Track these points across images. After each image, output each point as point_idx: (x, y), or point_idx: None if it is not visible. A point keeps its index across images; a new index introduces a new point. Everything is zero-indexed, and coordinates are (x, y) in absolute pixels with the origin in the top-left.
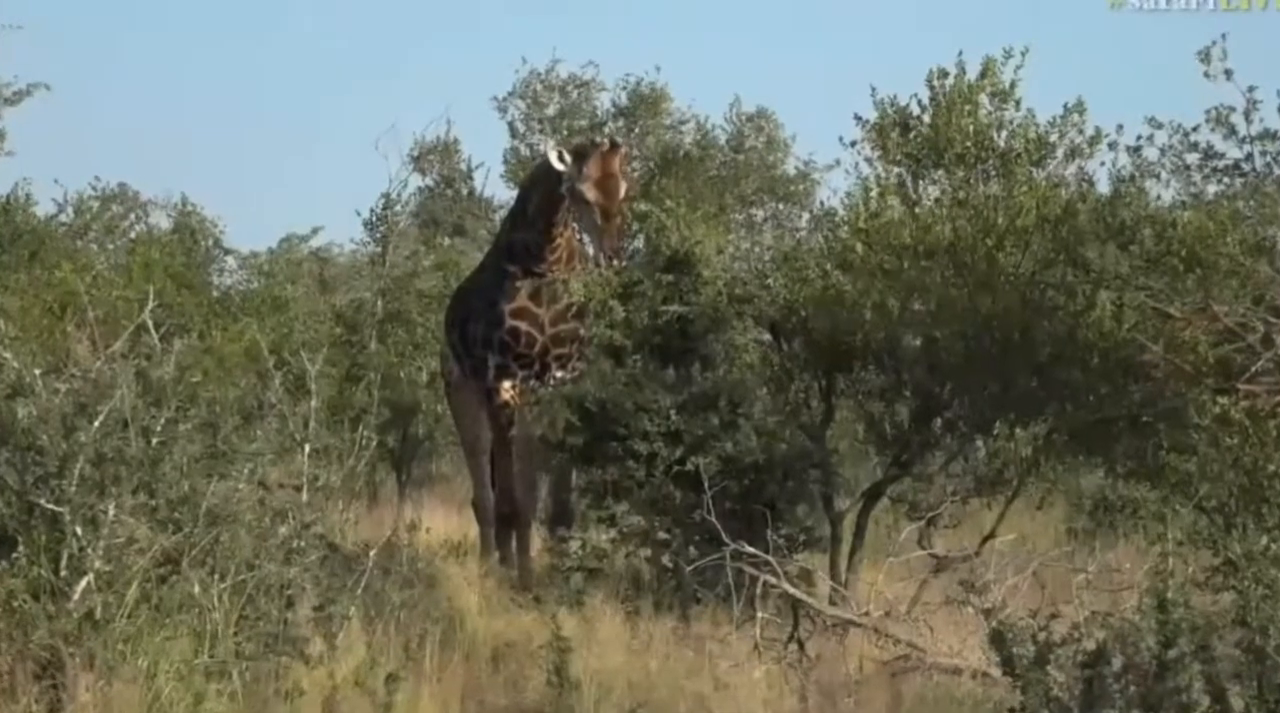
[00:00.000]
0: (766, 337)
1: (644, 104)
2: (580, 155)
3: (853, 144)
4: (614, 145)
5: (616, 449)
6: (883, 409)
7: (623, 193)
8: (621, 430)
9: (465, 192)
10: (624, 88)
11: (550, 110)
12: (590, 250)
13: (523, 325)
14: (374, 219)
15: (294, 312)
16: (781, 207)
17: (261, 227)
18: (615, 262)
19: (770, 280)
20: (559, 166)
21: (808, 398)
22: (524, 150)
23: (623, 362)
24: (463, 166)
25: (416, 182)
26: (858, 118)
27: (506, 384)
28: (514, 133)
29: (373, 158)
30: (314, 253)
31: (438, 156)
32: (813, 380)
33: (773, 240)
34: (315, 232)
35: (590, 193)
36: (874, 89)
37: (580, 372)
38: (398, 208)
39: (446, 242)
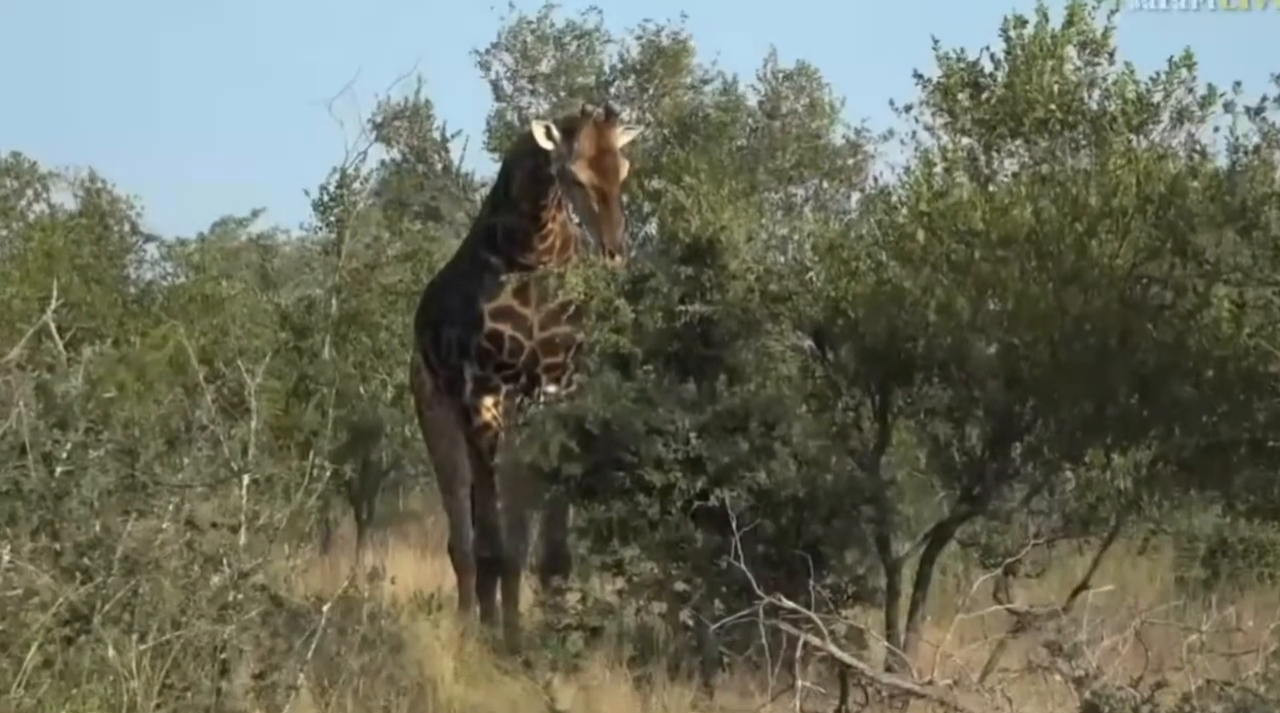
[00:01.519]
0: (807, 343)
1: (662, 59)
2: (571, 129)
3: (910, 109)
4: (609, 113)
5: (623, 480)
6: (950, 432)
7: (623, 172)
8: (630, 457)
9: (439, 166)
10: (639, 37)
11: (543, 66)
12: (590, 238)
13: (506, 329)
14: (327, 200)
15: (229, 312)
16: (826, 184)
17: (189, 208)
18: (617, 257)
19: (812, 274)
20: (546, 145)
21: (858, 418)
22: (511, 116)
23: (631, 373)
24: (436, 135)
25: (379, 154)
26: (918, 76)
27: (488, 401)
28: (499, 94)
29: (327, 125)
30: (254, 240)
31: (405, 123)
32: (864, 397)
33: (815, 225)
34: (256, 215)
35: (583, 173)
36: (936, 41)
37: (578, 386)
38: (356, 186)
39: (416, 227)
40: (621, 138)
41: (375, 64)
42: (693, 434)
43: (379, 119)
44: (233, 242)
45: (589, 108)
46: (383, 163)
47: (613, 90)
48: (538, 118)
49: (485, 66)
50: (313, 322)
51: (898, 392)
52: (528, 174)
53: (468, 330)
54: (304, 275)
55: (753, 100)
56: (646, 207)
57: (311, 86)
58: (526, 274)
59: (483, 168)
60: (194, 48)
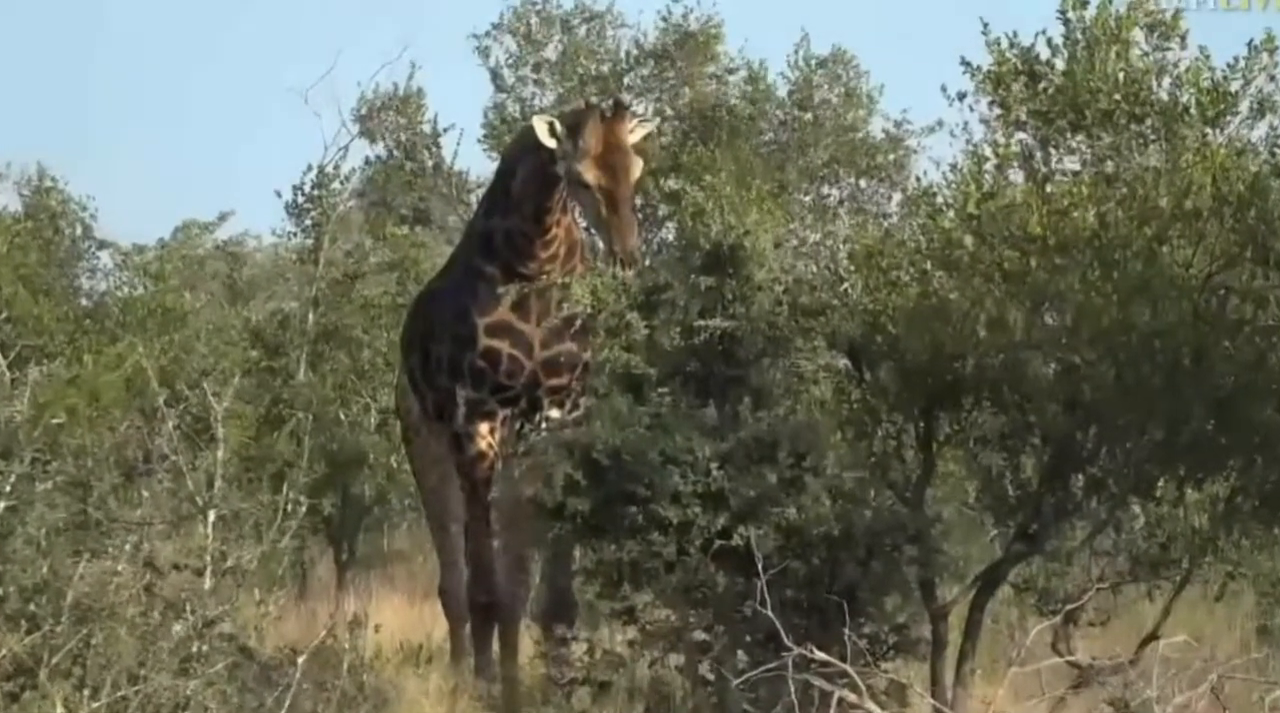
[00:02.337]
0: (843, 363)
1: (689, 44)
2: (577, 125)
3: (965, 97)
4: (619, 107)
5: (636, 517)
6: (1003, 462)
7: (636, 171)
8: (643, 491)
9: (430, 163)
10: (663, 19)
11: (549, 52)
12: (601, 244)
13: (504, 346)
14: (303, 201)
15: (193, 328)
16: (864, 184)
17: (149, 211)
18: (629, 267)
19: (848, 285)
20: (549, 142)
21: (899, 447)
22: (512, 108)
23: (644, 396)
24: (426, 128)
25: (363, 150)
26: (965, 63)
27: (483, 428)
28: (499, 83)
29: (303, 117)
30: (221, 247)
31: (393, 115)
32: (906, 423)
33: (852, 230)
34: (223, 218)
35: (589, 173)
36: (986, 24)
37: (585, 410)
38: (336, 185)
39: (403, 232)
40: (633, 134)
41: (359, 48)
42: (714, 465)
43: (362, 110)
44: (197, 248)
45: (595, 101)
46: (366, 160)
47: (626, 81)
48: (541, 111)
49: (484, 52)
50: (287, 339)
51: (944, 417)
52: (530, 173)
53: (460, 348)
54: (277, 286)
55: (782, 90)
56: (662, 209)
57: (287, 72)
58: (527, 285)
59: (478, 166)
60: (154, 25)
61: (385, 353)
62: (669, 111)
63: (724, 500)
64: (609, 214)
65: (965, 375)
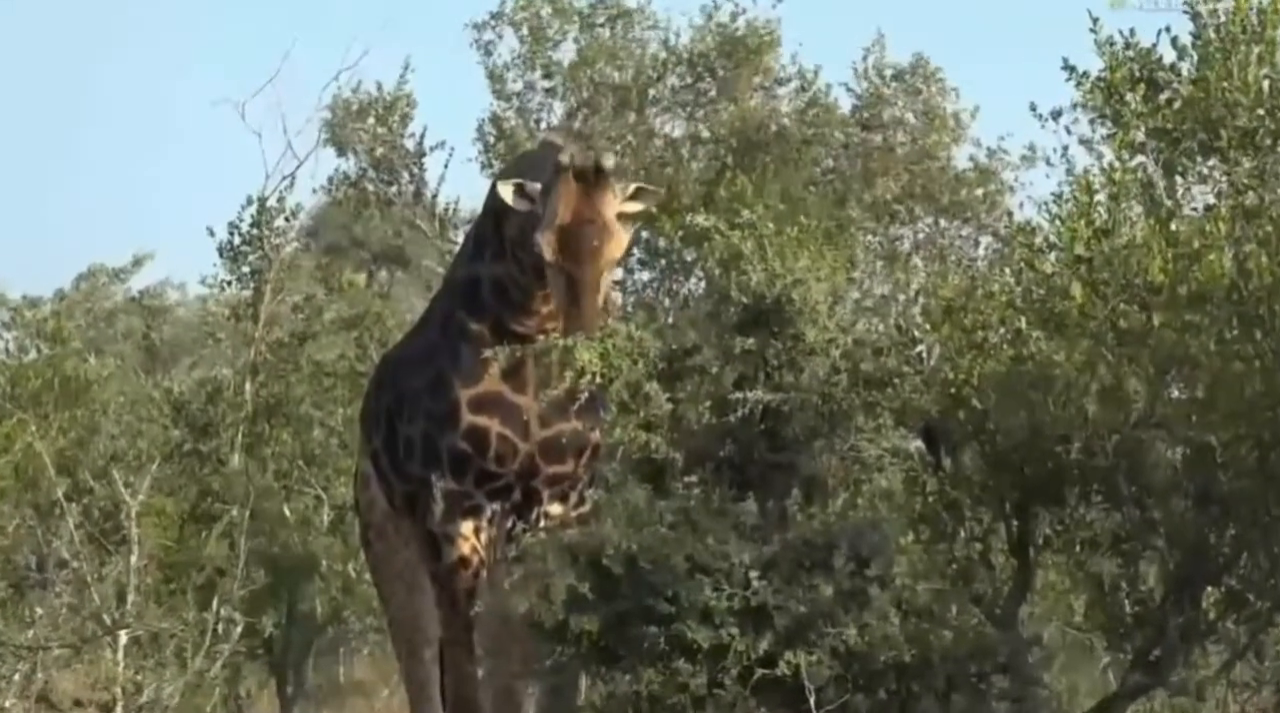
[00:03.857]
0: (916, 445)
1: (737, 51)
2: (548, 188)
3: (1059, 116)
4: (600, 170)
5: (657, 639)
6: (1118, 571)
7: (615, 249)
8: (665, 607)
9: (409, 187)
10: (709, 17)
11: (564, 53)
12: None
13: (492, 424)
14: (239, 242)
15: (100, 402)
16: (945, 224)
17: (46, 256)
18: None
19: (923, 348)
20: (519, 206)
21: (986, 551)
22: (513, 121)
23: (667, 487)
24: (410, 143)
25: (327, 167)
26: (1069, 69)
27: (465, 527)
28: (498, 88)
29: (239, 134)
30: (136, 300)
31: (372, 124)
32: (996, 521)
33: (928, 280)
34: (138, 263)
35: (549, 249)
36: (1095, 20)
37: (593, 505)
38: (281, 222)
39: (362, 279)
40: (625, 204)
41: (319, 43)
42: (754, 574)
43: (331, 118)
44: (105, 301)
45: (568, 156)
46: (331, 181)
47: (653, 93)
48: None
49: (485, 49)
50: (218, 415)
51: (1043, 514)
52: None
53: (437, 427)
54: (206, 349)
55: (845, 106)
56: (689, 253)
57: (224, 77)
58: (522, 347)
59: (470, 192)
60: (56, 15)
61: (341, 433)
62: (704, 132)
63: (767, 619)
64: (567, 303)
65: (1070, 461)
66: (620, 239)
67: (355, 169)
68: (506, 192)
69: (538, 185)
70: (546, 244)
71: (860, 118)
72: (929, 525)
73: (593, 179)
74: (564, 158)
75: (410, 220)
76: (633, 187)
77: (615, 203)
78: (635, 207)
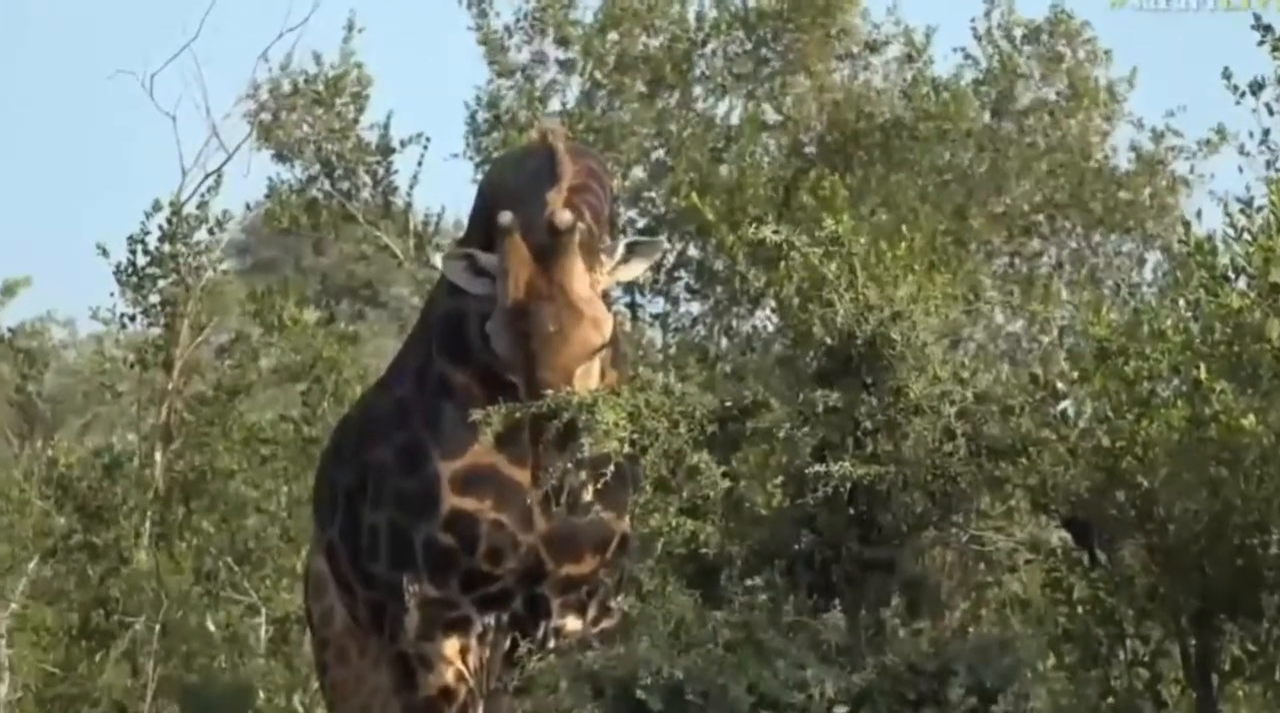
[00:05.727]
0: (1059, 535)
1: (806, 7)
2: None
3: (1253, 91)
4: (554, 228)
5: None
6: None
7: (581, 337)
8: None
9: (376, 194)
10: None
11: (583, 12)
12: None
13: (484, 509)
14: (145, 263)
15: None
16: (1098, 238)
17: None
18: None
19: (1068, 404)
20: (473, 288)
21: (1155, 680)
22: (510, 102)
23: (722, 594)
24: (371, 133)
25: (259, 169)
26: (1261, 25)
27: (449, 647)
28: (495, 59)
29: (149, 117)
30: (6, 340)
31: (319, 111)
32: (1167, 639)
33: (1076, 312)
34: (9, 292)
35: (497, 339)
36: None
37: (620, 616)
38: (201, 235)
39: (312, 317)
40: (602, 273)
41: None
42: (841, 709)
43: (260, 98)
44: None
45: (507, 217)
46: (271, 189)
47: (702, 69)
48: (452, 250)
49: (478, 6)
50: (118, 496)
51: (1231, 630)
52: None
53: (411, 513)
54: (101, 407)
55: (965, 78)
56: (757, 278)
57: (123, 46)
58: (522, 405)
59: (457, 200)
60: None
61: (284, 519)
62: (770, 115)
63: None
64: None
65: (1268, 558)
66: (598, 318)
67: (300, 173)
68: (453, 269)
69: (493, 257)
70: (494, 333)
71: (986, 96)
72: (1077, 645)
73: (549, 242)
74: (503, 218)
75: (376, 239)
76: (622, 244)
77: (589, 271)
78: (630, 271)
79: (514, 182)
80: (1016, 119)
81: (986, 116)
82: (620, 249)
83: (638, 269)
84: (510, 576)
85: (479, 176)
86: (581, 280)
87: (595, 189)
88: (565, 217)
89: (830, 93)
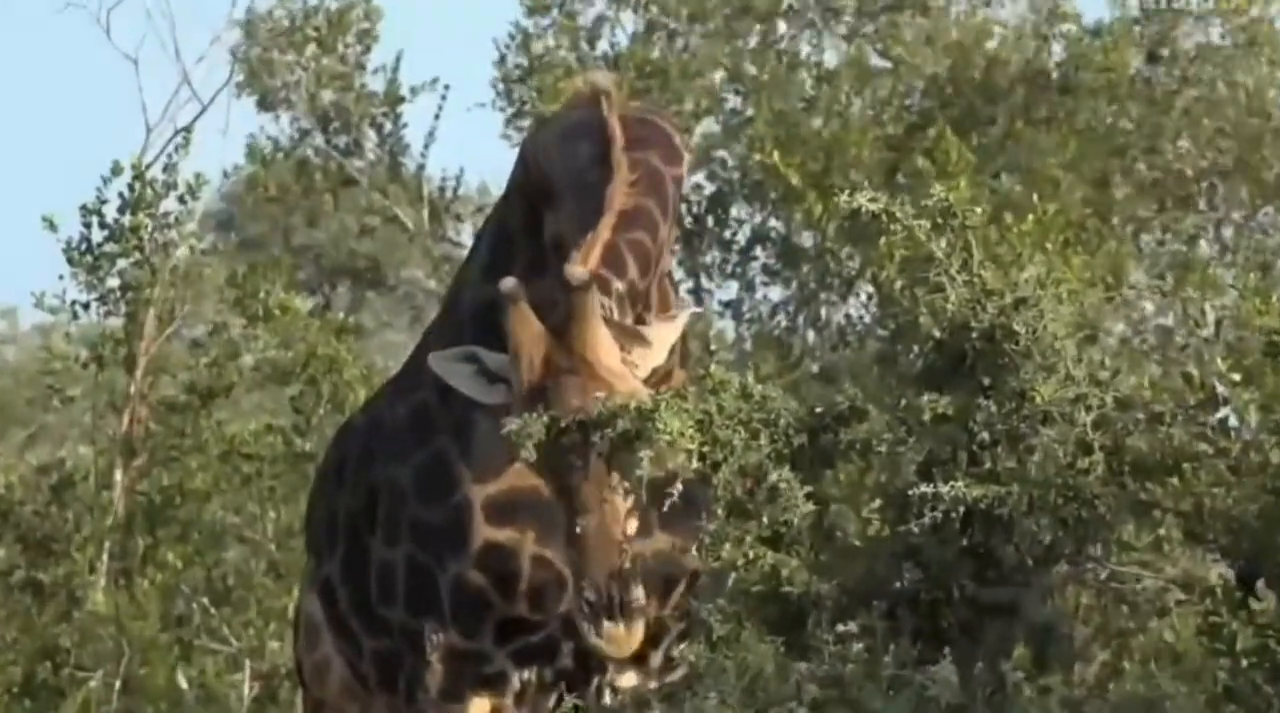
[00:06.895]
0: (1219, 573)
1: None
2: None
3: None
4: (570, 283)
5: None
6: None
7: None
8: None
9: (383, 154)
10: None
11: None
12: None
13: (524, 542)
14: (101, 240)
15: None
16: (1271, 212)
17: None
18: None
19: (1231, 411)
20: (487, 397)
21: None
22: (542, 43)
23: (809, 641)
24: (377, 80)
25: (246, 122)
26: None
27: (476, 707)
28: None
29: (110, 64)
30: None
31: (315, 53)
32: None
33: (1242, 302)
34: None
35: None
36: None
37: (688, 667)
38: (170, 204)
39: (305, 305)
40: (638, 338)
41: None
42: None
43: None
44: None
45: (510, 282)
46: (252, 147)
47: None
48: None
49: None
50: (69, 523)
51: None
52: (579, 190)
53: (434, 546)
54: (49, 415)
55: (1112, 18)
56: (850, 258)
57: None
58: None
59: (482, 161)
60: None
61: (271, 551)
62: (876, 62)
63: None
64: (568, 522)
65: None
66: (630, 389)
67: (290, 128)
68: (457, 375)
69: (503, 357)
70: (517, 430)
71: (1143, 39)
72: (1241, 706)
73: (567, 301)
74: (505, 283)
75: (383, 208)
76: (676, 322)
77: (618, 337)
78: (671, 330)
79: (561, 172)
80: (1177, 66)
81: (1138, 62)
82: (675, 314)
83: (678, 327)
84: (556, 623)
85: (510, 134)
86: (605, 348)
87: (651, 211)
88: (578, 272)
89: (949, 33)
